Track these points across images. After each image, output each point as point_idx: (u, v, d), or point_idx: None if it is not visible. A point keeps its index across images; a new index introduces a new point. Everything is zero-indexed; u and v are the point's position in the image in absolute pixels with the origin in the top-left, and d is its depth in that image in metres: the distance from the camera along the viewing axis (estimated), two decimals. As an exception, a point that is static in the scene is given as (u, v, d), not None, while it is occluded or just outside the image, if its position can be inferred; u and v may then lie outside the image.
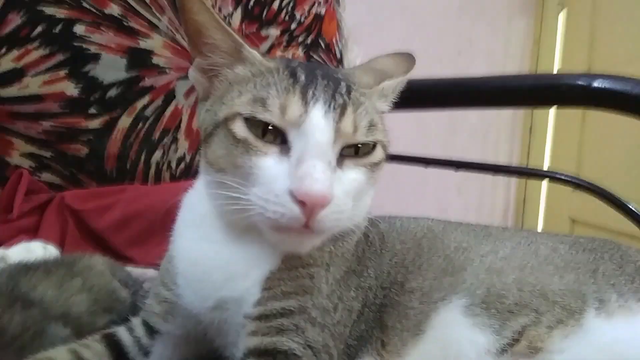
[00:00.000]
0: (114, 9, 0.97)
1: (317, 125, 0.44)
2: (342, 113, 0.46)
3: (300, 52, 1.30)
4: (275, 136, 0.45)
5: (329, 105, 0.45)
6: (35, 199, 0.85)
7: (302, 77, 0.47)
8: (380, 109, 0.53)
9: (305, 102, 0.45)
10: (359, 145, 0.47)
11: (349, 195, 0.46)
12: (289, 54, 1.28)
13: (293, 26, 1.29)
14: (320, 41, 1.34)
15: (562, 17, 2.50)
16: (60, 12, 0.91)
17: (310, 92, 0.46)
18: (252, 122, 0.45)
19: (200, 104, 0.53)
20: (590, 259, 0.54)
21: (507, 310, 0.50)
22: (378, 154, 0.49)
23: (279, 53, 1.25)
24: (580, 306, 0.49)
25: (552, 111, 2.40)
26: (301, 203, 0.42)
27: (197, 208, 0.54)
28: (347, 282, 0.52)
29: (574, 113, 2.18)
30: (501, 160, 2.25)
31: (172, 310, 0.54)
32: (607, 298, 0.49)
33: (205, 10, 0.49)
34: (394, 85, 0.56)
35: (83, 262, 0.68)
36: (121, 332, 0.56)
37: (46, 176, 0.91)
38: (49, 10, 0.90)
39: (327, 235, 0.48)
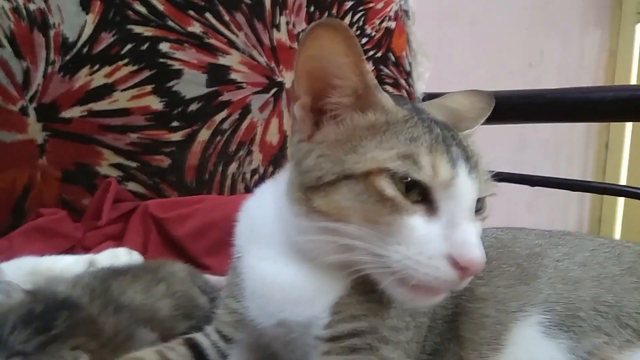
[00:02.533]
0: (196, 27, 1.02)
1: (466, 187, 0.43)
2: (477, 169, 0.45)
3: (370, 66, 1.30)
4: (420, 194, 0.43)
5: (468, 163, 0.44)
6: (121, 207, 0.89)
7: (437, 130, 0.45)
8: None
9: (452, 161, 0.43)
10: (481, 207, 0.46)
11: None
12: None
13: (364, 40, 1.30)
14: (389, 55, 1.34)
15: (639, 28, 2.38)
16: (147, 31, 0.96)
17: (453, 150, 0.44)
18: (398, 179, 0.42)
19: (301, 142, 0.49)
20: None
21: (584, 332, 0.48)
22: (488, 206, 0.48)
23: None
24: None
25: (630, 125, 2.27)
26: (459, 267, 0.41)
27: (261, 224, 0.53)
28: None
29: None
30: (574, 176, 2.15)
31: (241, 321, 0.54)
32: None
33: (353, 51, 0.44)
34: (470, 134, 0.54)
35: (166, 269, 0.71)
36: (200, 337, 0.58)
37: (132, 185, 0.96)
38: (137, 29, 0.95)
39: None
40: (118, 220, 0.88)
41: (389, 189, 0.42)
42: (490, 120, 1.41)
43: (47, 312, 0.48)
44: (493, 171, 0.48)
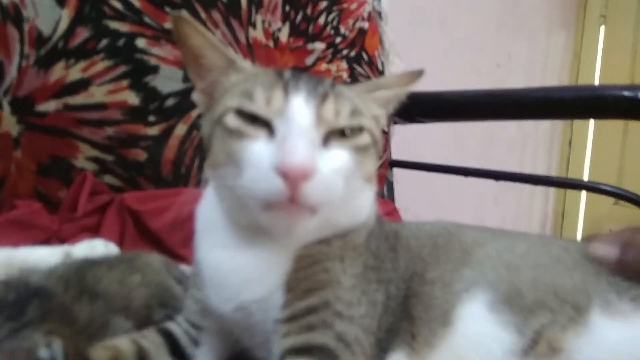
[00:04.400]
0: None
1: (298, 110, 0.48)
2: (323, 100, 0.49)
3: (344, 65, 1.34)
4: (262, 126, 0.48)
5: (310, 94, 0.49)
6: (97, 199, 0.90)
7: (287, 75, 0.52)
8: (373, 112, 0.57)
9: (286, 92, 0.48)
10: (345, 132, 0.50)
11: (336, 173, 0.48)
12: (334, 67, 1.31)
13: (337, 40, 1.33)
14: (363, 54, 1.38)
15: (602, 30, 2.47)
16: (123, 27, 0.97)
17: (292, 84, 0.50)
18: (242, 114, 0.49)
19: (202, 120, 0.57)
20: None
21: (527, 309, 0.52)
22: (364, 138, 0.51)
23: (324, 66, 1.29)
24: (587, 304, 0.51)
25: (592, 123, 2.36)
26: (284, 176, 0.44)
27: (208, 216, 0.57)
28: (366, 276, 0.54)
29: (614, 125, 2.14)
30: (539, 172, 2.23)
31: (205, 309, 0.57)
32: (610, 298, 0.51)
33: (199, 33, 0.54)
34: (390, 95, 0.60)
35: (142, 259, 0.72)
36: (172, 325, 0.60)
37: (108, 179, 0.97)
38: (113, 24, 0.96)
39: (320, 216, 0.48)
40: (94, 213, 0.89)
41: (231, 121, 0.49)
42: (460, 117, 1.47)
43: (18, 300, 0.49)
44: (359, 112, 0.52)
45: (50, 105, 0.89)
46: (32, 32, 0.87)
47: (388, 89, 0.60)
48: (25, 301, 0.49)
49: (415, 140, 1.53)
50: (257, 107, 0.48)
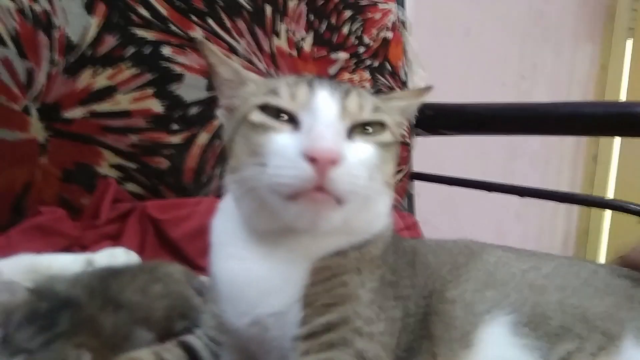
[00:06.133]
0: (198, 32, 1.03)
1: (323, 102, 0.48)
2: (347, 94, 0.50)
3: (367, 75, 1.33)
4: (287, 120, 0.49)
5: (334, 89, 0.50)
6: (120, 207, 0.90)
7: (309, 75, 0.54)
8: (393, 116, 0.57)
9: (312, 87, 0.50)
10: (368, 129, 0.51)
11: (361, 164, 0.48)
12: (357, 77, 1.31)
13: (361, 50, 1.32)
14: (386, 65, 1.37)
15: (630, 43, 2.42)
16: (150, 35, 0.98)
17: (316, 81, 0.51)
18: (266, 110, 0.50)
19: (224, 130, 0.59)
20: (629, 285, 0.54)
21: (554, 334, 0.50)
22: (386, 135, 0.52)
23: (347, 76, 1.29)
24: (619, 332, 0.49)
25: (618, 139, 2.31)
26: (312, 161, 0.44)
27: (225, 227, 0.57)
28: (384, 292, 0.53)
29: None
30: (563, 188, 2.19)
31: (222, 324, 0.56)
32: None
33: (213, 53, 0.57)
34: (403, 105, 0.61)
35: (163, 269, 0.72)
36: (193, 339, 0.60)
37: (130, 186, 0.97)
38: (141, 32, 0.97)
39: (344, 210, 0.48)
40: (116, 221, 0.89)
41: (256, 116, 0.50)
42: (484, 131, 1.45)
43: (50, 310, 0.49)
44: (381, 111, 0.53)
45: (76, 112, 0.90)
46: (62, 39, 0.88)
47: (401, 99, 0.61)
48: (56, 312, 0.50)
49: (437, 152, 1.51)
50: (283, 101, 0.49)
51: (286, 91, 0.50)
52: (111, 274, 0.65)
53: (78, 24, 0.90)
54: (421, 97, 0.63)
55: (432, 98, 0.65)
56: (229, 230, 0.55)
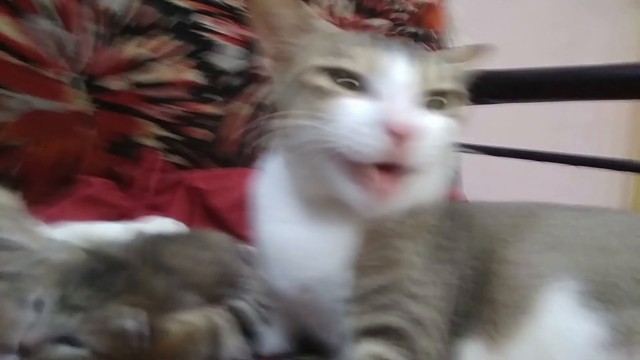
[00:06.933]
0: (236, 1, 1.02)
1: (401, 69, 0.45)
2: (426, 60, 0.46)
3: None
4: (356, 86, 0.45)
5: (413, 54, 0.46)
6: (166, 178, 0.91)
7: (379, 36, 0.48)
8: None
9: (386, 50, 0.45)
10: (443, 99, 0.47)
11: (436, 138, 0.45)
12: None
13: (403, 17, 1.28)
14: (430, 32, 1.32)
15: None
16: (190, 5, 0.97)
17: (393, 44, 0.47)
18: (329, 72, 0.45)
19: (274, 86, 0.54)
20: None
21: (623, 303, 0.46)
22: (461, 108, 0.49)
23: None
24: None
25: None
26: (391, 133, 0.41)
27: (271, 191, 0.55)
28: (439, 257, 0.51)
29: None
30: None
31: (270, 290, 0.56)
32: None
33: None
34: (463, 68, 0.55)
35: (211, 237, 0.73)
36: (242, 304, 0.60)
37: (175, 158, 0.98)
38: (181, 3, 0.96)
39: (409, 185, 0.46)
40: (163, 192, 0.90)
41: (319, 80, 0.45)
42: (534, 97, 1.37)
43: (108, 272, 0.50)
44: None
45: (121, 83, 0.91)
46: (106, 11, 0.88)
47: (460, 61, 0.55)
48: (112, 273, 0.50)
49: (479, 124, 1.45)
50: (353, 65, 0.45)
51: (359, 53, 0.45)
52: (162, 240, 0.66)
53: (121, -5, 0.90)
54: (477, 57, 0.58)
55: (477, 66, 0.61)
56: (275, 194, 0.54)
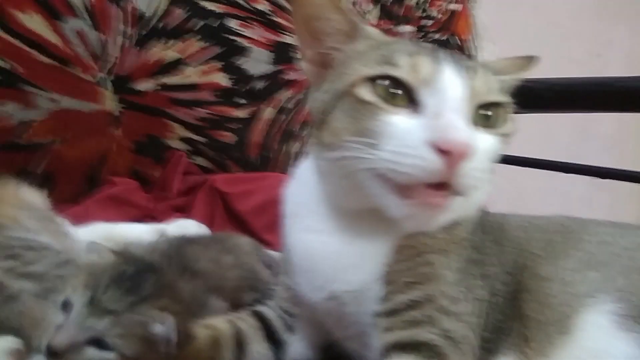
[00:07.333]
0: (264, 5, 1.02)
1: (451, 81, 0.43)
2: (474, 72, 0.44)
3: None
4: (404, 98, 0.43)
5: (460, 65, 0.44)
6: (190, 180, 0.91)
7: (427, 45, 0.47)
8: None
9: (435, 61, 0.43)
10: (490, 115, 0.45)
11: (487, 157, 0.44)
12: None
13: (427, 23, 1.27)
14: (453, 39, 1.31)
15: None
16: (217, 8, 0.97)
17: (440, 54, 0.45)
18: (379, 85, 0.43)
19: (312, 93, 0.51)
20: None
21: None
22: (509, 125, 0.47)
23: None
24: None
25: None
26: (443, 153, 0.40)
27: (301, 198, 0.53)
28: (470, 271, 0.49)
29: None
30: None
31: (296, 297, 0.54)
32: None
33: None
34: (507, 81, 0.53)
35: (233, 241, 0.72)
36: (266, 310, 0.59)
37: (199, 160, 0.98)
38: (208, 5, 0.96)
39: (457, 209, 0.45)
40: (186, 193, 0.90)
41: (368, 94, 0.43)
42: (554, 108, 1.35)
43: (136, 274, 0.50)
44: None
45: (148, 85, 0.91)
46: (134, 12, 0.89)
47: (505, 74, 0.53)
48: (141, 276, 0.50)
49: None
50: (402, 73, 0.43)
51: (406, 61, 0.43)
52: (185, 242, 0.66)
53: (150, -4, 0.90)
54: (525, 70, 0.56)
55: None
56: (306, 202, 0.52)
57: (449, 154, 0.40)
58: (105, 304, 0.46)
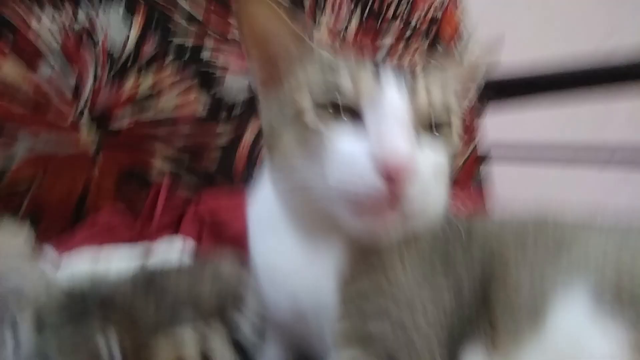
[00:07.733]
0: (235, 33, 1.04)
1: (391, 97, 0.43)
2: (414, 84, 0.45)
3: (417, 59, 1.27)
4: (350, 118, 0.44)
5: (401, 79, 0.45)
6: (174, 206, 0.92)
7: (371, 63, 0.47)
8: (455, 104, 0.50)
9: (376, 77, 0.44)
10: (434, 128, 0.46)
11: (431, 174, 0.44)
12: (405, 61, 1.25)
13: (408, 33, 1.27)
14: (438, 45, 1.30)
15: None
16: (188, 41, 1.00)
17: (381, 70, 0.45)
18: (324, 107, 0.44)
19: (261, 102, 0.51)
20: None
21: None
22: (455, 136, 0.48)
23: (394, 61, 1.23)
24: None
25: None
26: (384, 173, 0.40)
27: (262, 216, 0.53)
28: (432, 279, 0.48)
29: None
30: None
31: (265, 313, 0.55)
32: None
33: (274, 15, 0.47)
34: (463, 72, 0.54)
35: (213, 263, 0.71)
36: (239, 317, 0.58)
37: (182, 186, 0.99)
38: (178, 40, 0.99)
39: (412, 223, 0.45)
40: (172, 214, 0.90)
41: (315, 122, 0.44)
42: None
43: (84, 309, 0.49)
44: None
45: (123, 123, 0.94)
46: (104, 52, 0.92)
47: (463, 72, 0.54)
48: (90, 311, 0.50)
49: (509, 130, 1.38)
50: (345, 98, 0.44)
51: (348, 83, 0.44)
52: (162, 269, 0.65)
53: (118, 37, 0.93)
54: (483, 60, 0.56)
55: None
56: (268, 221, 0.52)
57: (391, 180, 0.40)
58: (48, 320, 0.46)
